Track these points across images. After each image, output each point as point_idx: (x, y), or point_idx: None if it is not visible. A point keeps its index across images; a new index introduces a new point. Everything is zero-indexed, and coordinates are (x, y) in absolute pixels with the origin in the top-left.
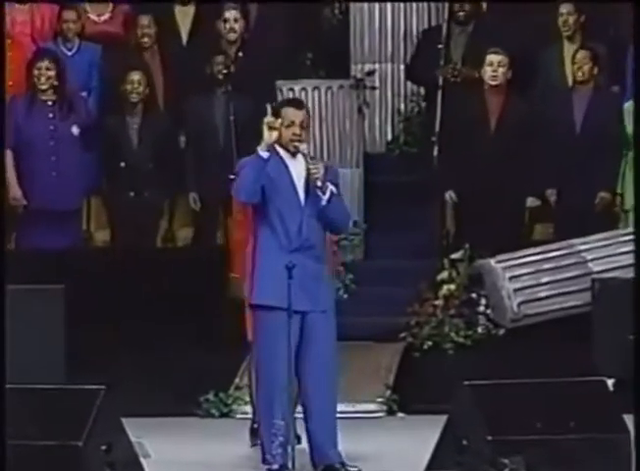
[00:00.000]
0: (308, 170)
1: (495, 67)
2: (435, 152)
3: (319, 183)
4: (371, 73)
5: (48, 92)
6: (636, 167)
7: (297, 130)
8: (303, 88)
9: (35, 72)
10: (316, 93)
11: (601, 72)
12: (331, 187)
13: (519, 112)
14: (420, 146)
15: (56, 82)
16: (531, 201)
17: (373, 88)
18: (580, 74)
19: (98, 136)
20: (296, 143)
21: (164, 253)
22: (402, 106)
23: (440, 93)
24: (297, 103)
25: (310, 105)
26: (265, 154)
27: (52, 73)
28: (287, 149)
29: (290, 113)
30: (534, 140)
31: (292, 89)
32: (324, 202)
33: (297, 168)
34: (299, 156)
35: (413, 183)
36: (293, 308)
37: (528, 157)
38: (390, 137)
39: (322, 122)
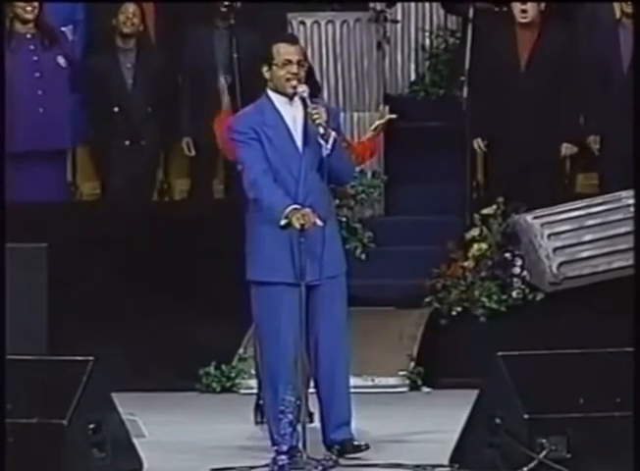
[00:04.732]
0: (308, 115)
1: None
2: (464, 94)
3: (322, 130)
4: (392, 3)
5: (29, 25)
6: (636, 166)
7: (294, 69)
8: (316, 22)
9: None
10: (330, 27)
11: None
12: (334, 134)
13: (555, 47)
14: (448, 87)
15: (38, 14)
16: (566, 148)
17: (394, 22)
18: (628, 2)
19: (86, 78)
20: (294, 83)
21: (162, 208)
22: (428, 41)
23: (470, 26)
24: (290, 38)
25: (324, 41)
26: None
27: (36, 3)
28: (282, 93)
29: (282, 50)
30: (572, 80)
31: (302, 23)
32: (327, 151)
33: (293, 112)
34: (296, 100)
35: (440, 128)
36: (297, 281)
37: (566, 100)
38: (413, 77)
39: (337, 60)
